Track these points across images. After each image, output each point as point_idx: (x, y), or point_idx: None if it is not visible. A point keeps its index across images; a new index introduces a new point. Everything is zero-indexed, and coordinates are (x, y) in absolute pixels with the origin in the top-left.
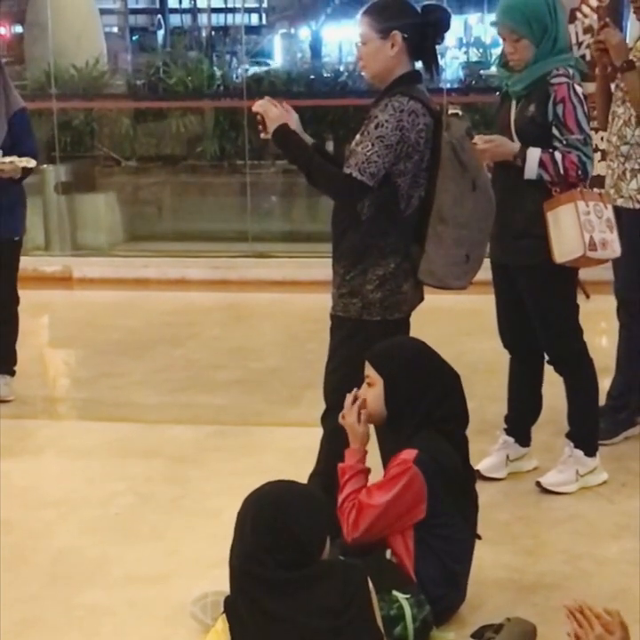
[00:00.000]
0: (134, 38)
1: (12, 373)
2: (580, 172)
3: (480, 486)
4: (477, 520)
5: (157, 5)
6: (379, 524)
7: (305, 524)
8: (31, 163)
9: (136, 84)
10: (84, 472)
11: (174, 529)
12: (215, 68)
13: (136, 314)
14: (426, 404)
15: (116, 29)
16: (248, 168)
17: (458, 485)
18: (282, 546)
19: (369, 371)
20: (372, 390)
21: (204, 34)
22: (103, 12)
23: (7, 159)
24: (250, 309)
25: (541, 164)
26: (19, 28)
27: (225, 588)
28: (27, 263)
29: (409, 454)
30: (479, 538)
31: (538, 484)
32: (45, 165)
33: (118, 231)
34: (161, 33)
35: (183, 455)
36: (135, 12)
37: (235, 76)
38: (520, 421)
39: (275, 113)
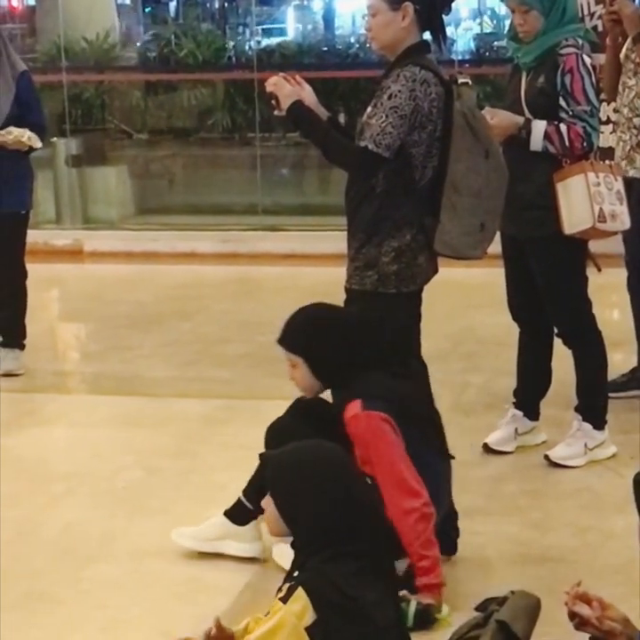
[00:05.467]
0: (146, 10)
1: (22, 347)
2: (585, 144)
3: (488, 459)
4: (445, 440)
5: None
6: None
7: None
8: (37, 143)
9: (147, 56)
10: (91, 446)
11: (181, 503)
12: (226, 40)
13: (146, 287)
14: (347, 354)
15: (128, 1)
16: (259, 141)
17: (413, 413)
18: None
19: (286, 355)
20: (298, 371)
21: (216, 5)
22: None
23: (15, 131)
24: (259, 283)
25: (546, 136)
26: (31, 1)
27: None
28: (37, 237)
29: (354, 408)
30: (452, 458)
31: (546, 457)
32: (56, 138)
33: (129, 204)
34: (173, 4)
35: (191, 429)
36: None
37: (246, 47)
38: (529, 395)
39: (288, 90)
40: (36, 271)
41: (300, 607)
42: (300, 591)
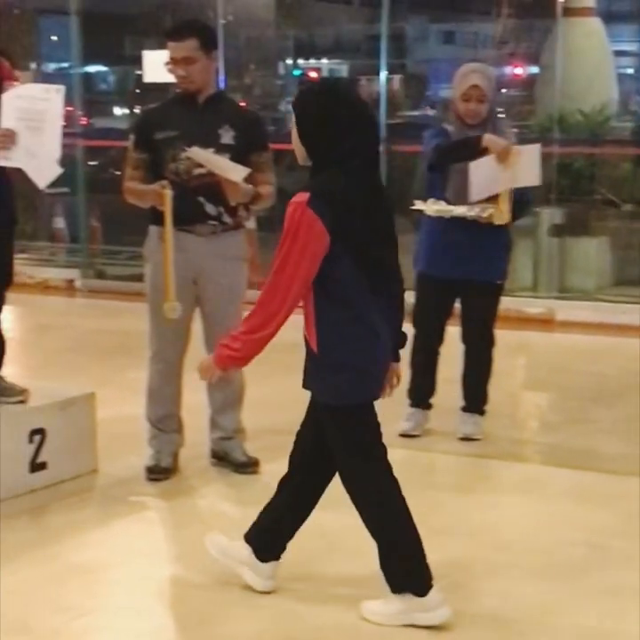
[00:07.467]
0: None
1: (482, 412)
2: None
3: None
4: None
5: None
6: (292, 280)
7: None
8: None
9: None
10: (539, 517)
11: (628, 587)
12: None
13: (612, 360)
14: (333, 134)
15: (630, 71)
16: None
17: (359, 228)
18: None
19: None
20: (293, 132)
21: None
22: (617, 53)
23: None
24: None
25: None
26: (534, 69)
27: None
28: (510, 304)
29: (301, 197)
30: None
31: None
32: (539, 208)
33: (606, 275)
34: None
35: None
36: None
37: None
38: None
39: None
40: (505, 337)
41: None
42: None
